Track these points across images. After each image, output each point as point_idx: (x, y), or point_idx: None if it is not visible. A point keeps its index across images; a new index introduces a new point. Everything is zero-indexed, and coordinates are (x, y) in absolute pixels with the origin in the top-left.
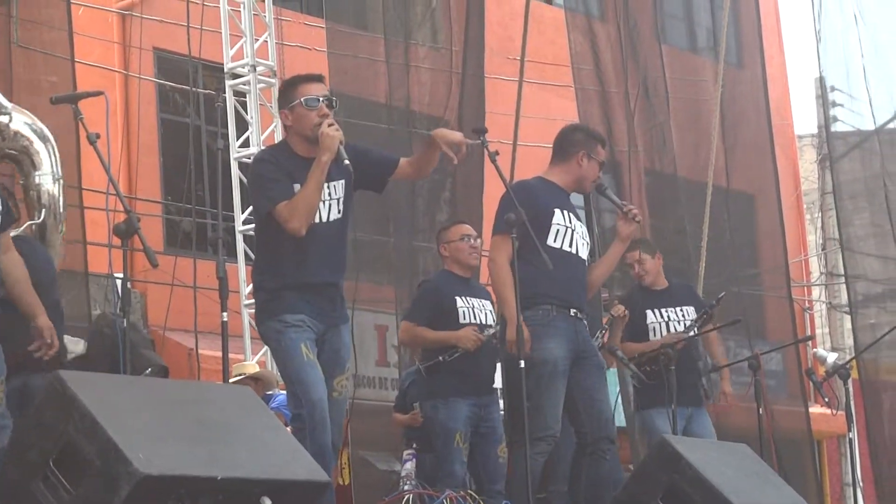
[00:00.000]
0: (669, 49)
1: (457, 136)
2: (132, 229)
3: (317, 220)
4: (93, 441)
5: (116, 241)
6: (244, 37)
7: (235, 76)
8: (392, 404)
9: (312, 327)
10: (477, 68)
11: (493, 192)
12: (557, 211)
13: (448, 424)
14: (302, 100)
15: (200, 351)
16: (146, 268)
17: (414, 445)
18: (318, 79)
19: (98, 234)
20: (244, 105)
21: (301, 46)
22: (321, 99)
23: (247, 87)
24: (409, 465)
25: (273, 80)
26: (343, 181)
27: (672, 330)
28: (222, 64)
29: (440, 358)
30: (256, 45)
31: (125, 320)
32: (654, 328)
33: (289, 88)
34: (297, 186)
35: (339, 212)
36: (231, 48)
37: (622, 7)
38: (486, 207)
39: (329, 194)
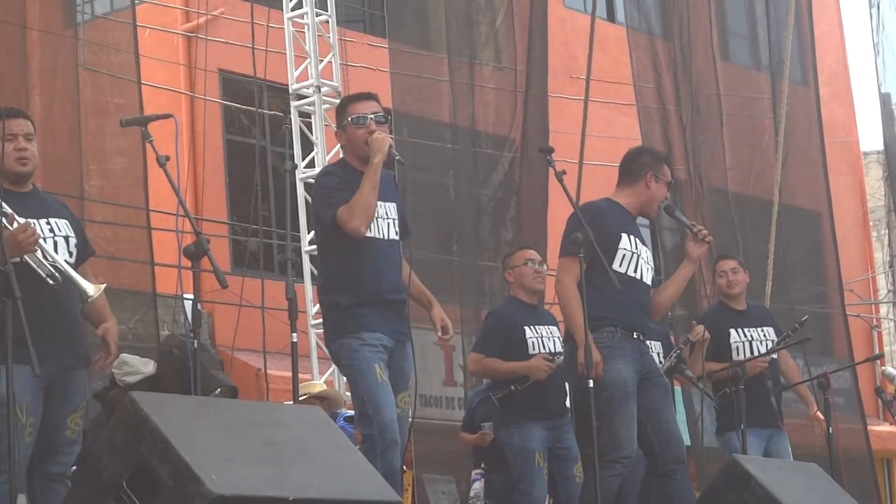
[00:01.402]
0: (728, 66)
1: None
2: (202, 251)
3: (380, 236)
4: (165, 462)
5: (185, 262)
6: (309, 58)
7: (300, 97)
8: (458, 424)
9: (387, 345)
10: (541, 87)
11: (557, 211)
12: (624, 236)
13: (526, 445)
14: (350, 118)
15: (268, 371)
16: (213, 288)
17: (482, 465)
18: (367, 97)
19: (165, 255)
20: (309, 126)
21: (365, 67)
22: (370, 116)
23: (312, 108)
24: (478, 485)
25: (337, 101)
26: (395, 204)
27: (756, 350)
28: (287, 85)
29: (512, 388)
30: (321, 66)
31: (195, 341)
32: (737, 347)
33: (340, 109)
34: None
35: (395, 233)
36: (296, 69)
37: (685, 25)
38: (550, 226)
39: (386, 213)
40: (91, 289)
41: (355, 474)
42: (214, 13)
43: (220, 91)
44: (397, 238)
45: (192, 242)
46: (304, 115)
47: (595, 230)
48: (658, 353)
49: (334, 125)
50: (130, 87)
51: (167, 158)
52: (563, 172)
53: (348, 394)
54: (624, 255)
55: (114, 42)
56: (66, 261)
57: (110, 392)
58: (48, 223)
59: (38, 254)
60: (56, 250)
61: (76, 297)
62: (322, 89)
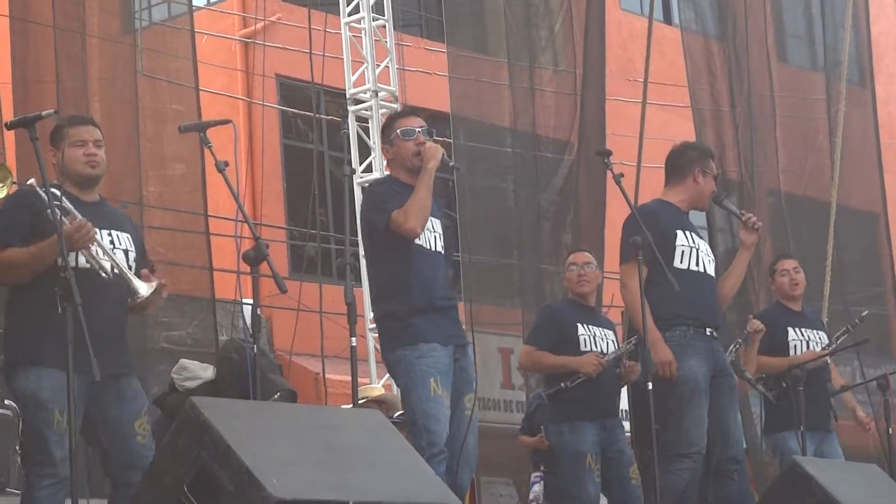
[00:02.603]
0: (784, 67)
1: None
2: (261, 256)
3: (428, 246)
4: (226, 466)
5: (244, 267)
6: (366, 62)
7: (358, 102)
8: (518, 427)
9: (445, 354)
10: (598, 90)
11: (614, 214)
12: (680, 232)
13: (576, 447)
14: (399, 131)
15: (326, 375)
16: (271, 293)
17: (542, 468)
18: (413, 112)
19: (223, 260)
20: (366, 130)
21: (422, 71)
22: (417, 129)
23: (369, 113)
24: (538, 488)
25: (395, 106)
26: (439, 221)
27: (813, 350)
28: (344, 90)
29: (562, 384)
30: (378, 71)
31: (255, 346)
32: (794, 345)
33: (387, 126)
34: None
35: (442, 248)
36: (353, 74)
37: (741, 25)
38: (608, 229)
39: (432, 226)
40: (143, 288)
41: (415, 478)
42: (272, 19)
43: (277, 96)
44: (442, 252)
45: (251, 247)
46: (362, 120)
47: (651, 231)
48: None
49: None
50: (188, 94)
51: (226, 164)
52: (621, 175)
53: None
54: (683, 251)
55: (172, 48)
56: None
57: (170, 397)
58: (109, 235)
59: (94, 250)
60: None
61: (121, 307)
62: (379, 94)
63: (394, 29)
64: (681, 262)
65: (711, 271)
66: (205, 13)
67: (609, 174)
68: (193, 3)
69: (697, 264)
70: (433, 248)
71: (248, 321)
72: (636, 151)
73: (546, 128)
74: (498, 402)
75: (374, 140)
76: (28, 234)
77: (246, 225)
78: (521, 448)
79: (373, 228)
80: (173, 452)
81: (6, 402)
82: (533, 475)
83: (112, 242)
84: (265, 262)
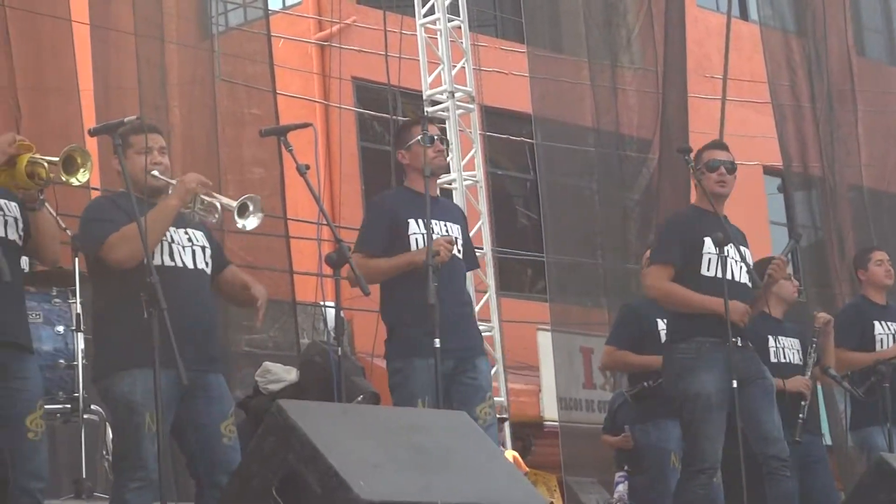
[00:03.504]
0: (863, 61)
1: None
2: (343, 258)
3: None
4: (313, 469)
5: (325, 269)
6: (442, 63)
7: (434, 103)
8: (600, 426)
9: (446, 369)
10: (680, 88)
11: None
12: (708, 240)
13: (661, 445)
14: (418, 138)
15: None
16: (351, 295)
17: (625, 468)
18: (429, 120)
19: (302, 263)
20: (443, 131)
21: (498, 71)
22: (435, 137)
23: (445, 114)
24: (622, 488)
25: (471, 106)
26: (458, 227)
27: None
28: (421, 91)
29: (645, 384)
30: (454, 72)
31: (339, 349)
32: (881, 339)
33: (402, 131)
34: (412, 222)
35: (458, 251)
36: (429, 75)
37: (819, 20)
38: None
39: (448, 231)
40: (234, 203)
41: (502, 480)
42: (347, 21)
43: (353, 99)
44: (458, 255)
45: (333, 250)
46: (439, 121)
47: (680, 238)
48: (797, 351)
49: (468, 130)
50: (266, 98)
51: (307, 167)
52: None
53: None
54: (710, 259)
55: (249, 53)
56: (203, 269)
57: (253, 400)
58: (186, 233)
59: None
60: (194, 260)
61: (208, 301)
62: (456, 94)
63: (469, 29)
64: (708, 270)
65: (742, 278)
66: (281, 17)
67: (691, 172)
68: (269, 8)
69: (726, 272)
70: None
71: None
72: None
73: (629, 126)
74: (580, 401)
75: (452, 140)
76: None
77: (326, 228)
78: (605, 448)
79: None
80: (260, 455)
81: (92, 406)
82: (617, 475)
83: (189, 240)
84: (347, 265)
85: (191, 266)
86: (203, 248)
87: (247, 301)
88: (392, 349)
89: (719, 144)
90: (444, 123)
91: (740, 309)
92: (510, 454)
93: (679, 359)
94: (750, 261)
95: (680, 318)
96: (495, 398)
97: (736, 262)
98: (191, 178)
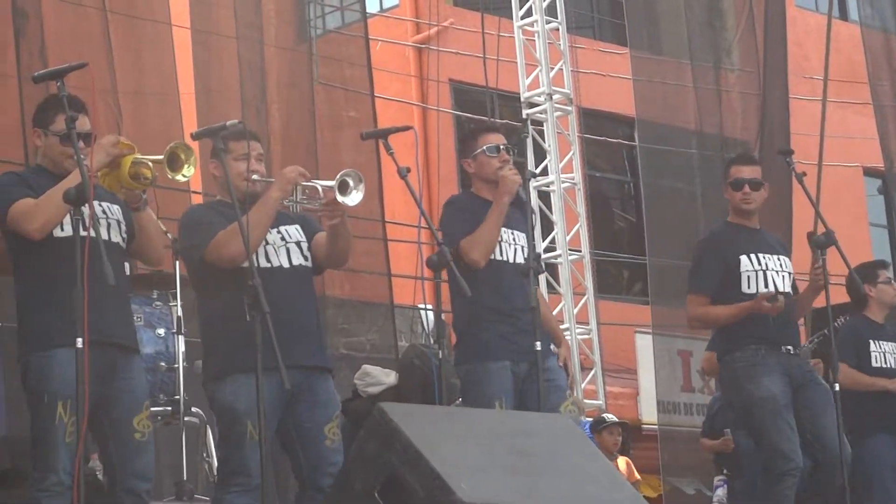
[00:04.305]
0: None
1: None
2: (444, 261)
3: (505, 258)
4: (416, 472)
5: (426, 272)
6: (539, 65)
7: (532, 105)
8: (699, 430)
9: (516, 371)
10: (781, 89)
11: (798, 212)
12: (743, 257)
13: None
14: (484, 148)
15: None
16: (449, 298)
17: (724, 471)
18: (495, 128)
19: (400, 265)
20: (541, 133)
21: (596, 73)
22: (501, 147)
23: (543, 116)
24: (721, 492)
25: (569, 108)
26: (524, 234)
27: None
28: (518, 93)
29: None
30: (552, 74)
31: (440, 352)
32: (875, 356)
33: (469, 139)
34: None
35: (523, 259)
36: (527, 77)
37: None
38: (795, 228)
39: (514, 239)
40: (333, 182)
41: (605, 484)
42: (445, 24)
43: (451, 101)
44: (522, 261)
45: (434, 253)
46: (536, 123)
47: (715, 260)
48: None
49: (566, 132)
50: (364, 100)
51: (408, 170)
52: (804, 174)
53: (589, 401)
54: (749, 277)
55: (346, 56)
56: (301, 264)
57: (353, 403)
58: (278, 232)
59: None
60: (289, 257)
61: (310, 297)
62: (554, 97)
63: (567, 31)
64: (748, 287)
65: (785, 287)
66: (378, 20)
67: (792, 173)
68: (367, 10)
69: (766, 285)
70: (512, 261)
71: (428, 326)
72: (814, 149)
73: (733, 129)
74: (678, 405)
75: (550, 143)
76: None
77: (426, 230)
78: (704, 451)
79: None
80: (363, 458)
81: (193, 409)
82: (716, 478)
83: (283, 238)
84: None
85: (287, 265)
86: (298, 243)
87: (336, 246)
88: (464, 353)
89: (745, 159)
90: (542, 126)
91: (763, 304)
92: (623, 461)
93: (738, 367)
94: (790, 269)
95: (728, 331)
96: (593, 401)
97: (777, 272)
98: (289, 169)
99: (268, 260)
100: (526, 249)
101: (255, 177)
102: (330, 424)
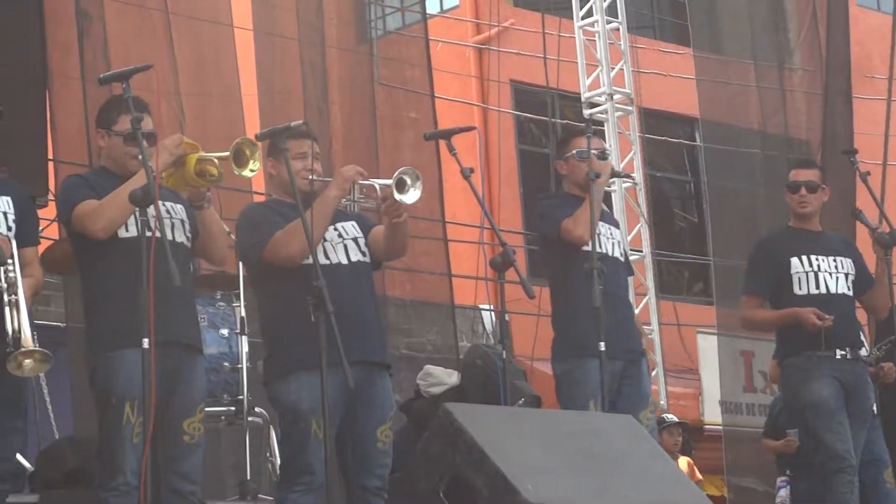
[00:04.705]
0: None
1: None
2: (508, 262)
3: (605, 251)
4: (481, 472)
5: (489, 272)
6: (600, 66)
7: (592, 105)
8: (761, 430)
9: (613, 370)
10: (844, 89)
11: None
12: (794, 259)
13: None
14: (575, 152)
15: None
16: (511, 298)
17: (787, 472)
18: (585, 131)
19: (460, 266)
20: (602, 133)
21: (657, 73)
22: (593, 152)
23: (604, 116)
24: (784, 493)
25: (630, 108)
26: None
27: None
28: (579, 93)
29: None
30: (613, 74)
31: (503, 352)
32: None
33: (563, 142)
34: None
35: (620, 254)
36: (587, 77)
37: None
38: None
39: (611, 233)
40: (390, 181)
41: (671, 484)
42: (505, 24)
43: (511, 101)
44: (621, 258)
45: (498, 254)
46: (597, 123)
47: (766, 267)
48: None
49: (627, 132)
50: (424, 101)
51: (471, 170)
52: (868, 174)
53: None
54: (800, 278)
55: (407, 56)
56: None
57: (415, 403)
58: (335, 229)
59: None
60: (347, 254)
61: (369, 293)
62: (614, 97)
63: (627, 31)
64: (800, 289)
65: (840, 289)
66: (438, 20)
67: (857, 173)
68: (427, 11)
69: (818, 287)
70: (611, 254)
71: (490, 327)
72: (878, 149)
73: (797, 129)
74: (740, 405)
75: (610, 143)
76: None
77: (487, 231)
78: (766, 451)
79: (542, 238)
80: (427, 459)
81: (256, 409)
82: (779, 479)
83: (339, 235)
84: (511, 268)
85: (345, 262)
86: (355, 239)
87: (395, 241)
88: (561, 350)
89: (804, 163)
90: (603, 126)
91: (810, 317)
92: (684, 461)
93: (792, 372)
94: (850, 270)
95: (785, 336)
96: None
97: (830, 274)
98: (347, 168)
99: (326, 257)
100: (621, 244)
101: (312, 176)
102: (383, 427)
